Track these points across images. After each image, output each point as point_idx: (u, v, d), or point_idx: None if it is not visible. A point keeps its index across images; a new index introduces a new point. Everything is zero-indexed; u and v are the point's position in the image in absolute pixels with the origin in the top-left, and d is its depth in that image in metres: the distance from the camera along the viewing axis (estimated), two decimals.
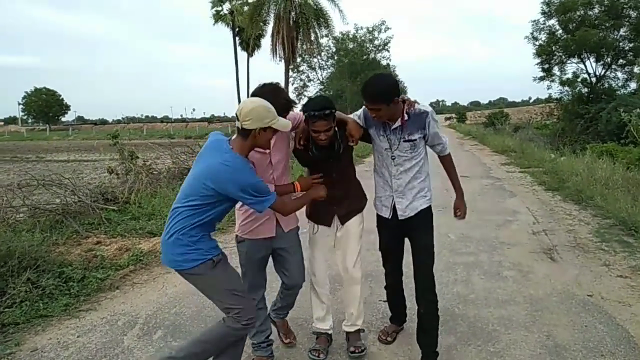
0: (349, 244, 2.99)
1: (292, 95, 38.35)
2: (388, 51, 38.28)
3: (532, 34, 26.53)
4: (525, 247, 5.51)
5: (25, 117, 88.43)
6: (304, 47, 27.68)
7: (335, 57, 37.85)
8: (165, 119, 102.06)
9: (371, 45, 37.24)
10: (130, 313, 3.83)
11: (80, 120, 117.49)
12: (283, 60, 26.60)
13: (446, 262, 5.05)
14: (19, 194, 6.22)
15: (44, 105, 78.09)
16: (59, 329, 3.55)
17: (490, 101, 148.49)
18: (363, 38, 36.87)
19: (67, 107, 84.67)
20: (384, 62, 39.09)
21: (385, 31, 36.98)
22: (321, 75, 38.46)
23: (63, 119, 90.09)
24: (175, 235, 2.34)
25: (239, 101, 43.34)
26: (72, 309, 3.87)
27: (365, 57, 36.47)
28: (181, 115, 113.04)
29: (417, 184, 2.89)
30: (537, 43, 26.39)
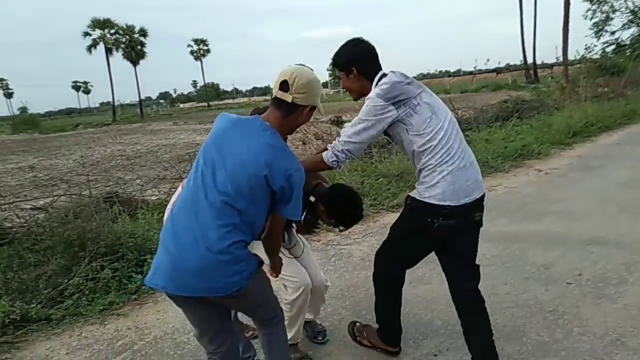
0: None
1: (590, 33, 31.35)
2: None
3: None
4: None
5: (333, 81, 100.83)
6: None
7: None
8: (456, 73, 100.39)
9: None
10: (142, 330, 3.26)
11: None
12: None
13: None
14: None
15: None
16: (69, 336, 3.26)
17: None
18: None
19: None
20: None
21: None
22: (632, 3, 29.69)
23: None
24: (233, 248, 1.76)
25: (523, 48, 38.65)
26: (108, 311, 3.55)
27: None
28: (474, 67, 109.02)
29: None
30: None
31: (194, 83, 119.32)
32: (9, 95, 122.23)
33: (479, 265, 2.39)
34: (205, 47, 71.42)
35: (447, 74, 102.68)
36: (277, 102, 1.90)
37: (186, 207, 1.83)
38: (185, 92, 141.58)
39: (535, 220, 4.76)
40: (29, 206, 5.49)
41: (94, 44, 48.38)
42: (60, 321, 3.43)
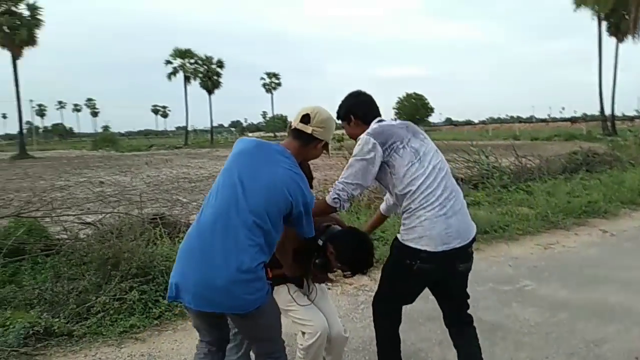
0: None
1: None
2: None
3: None
4: None
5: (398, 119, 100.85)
6: None
7: None
8: (528, 120, 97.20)
9: None
10: (155, 358, 3.21)
11: (448, 121, 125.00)
12: None
13: None
14: None
15: (412, 109, 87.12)
16: (85, 355, 3.27)
17: None
18: None
19: (432, 110, 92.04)
20: None
21: None
22: None
23: (431, 120, 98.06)
24: (258, 268, 1.88)
25: (600, 98, 36.62)
26: (128, 334, 3.54)
27: None
28: (548, 115, 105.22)
29: None
30: None
31: (264, 114, 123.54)
32: (94, 114, 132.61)
33: (468, 296, 2.47)
34: (276, 81, 74.16)
35: (519, 119, 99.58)
36: (297, 133, 2.09)
37: (216, 224, 1.88)
38: (255, 122, 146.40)
39: (592, 287, 4.31)
40: (79, 221, 5.73)
41: (174, 72, 51.55)
42: (81, 338, 3.46)
